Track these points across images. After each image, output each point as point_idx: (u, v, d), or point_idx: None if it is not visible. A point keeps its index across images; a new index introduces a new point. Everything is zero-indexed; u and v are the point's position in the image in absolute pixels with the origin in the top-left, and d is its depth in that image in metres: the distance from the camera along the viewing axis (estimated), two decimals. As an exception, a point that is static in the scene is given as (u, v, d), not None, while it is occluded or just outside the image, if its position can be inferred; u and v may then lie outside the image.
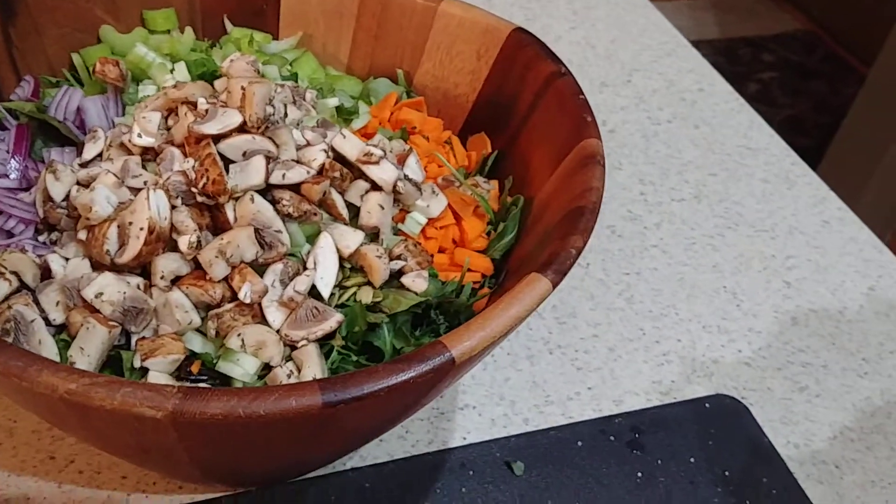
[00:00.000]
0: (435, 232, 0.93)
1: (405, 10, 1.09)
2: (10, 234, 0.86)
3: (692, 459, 1.07)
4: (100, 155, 0.89)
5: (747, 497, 1.03)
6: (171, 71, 0.99)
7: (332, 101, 0.99)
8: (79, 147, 0.93)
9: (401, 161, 0.93)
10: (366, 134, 1.03)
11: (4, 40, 0.97)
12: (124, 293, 0.76)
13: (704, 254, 1.36)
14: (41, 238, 0.86)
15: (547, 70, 0.98)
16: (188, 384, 0.77)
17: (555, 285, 0.75)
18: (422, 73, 1.11)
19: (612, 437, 1.08)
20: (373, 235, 0.88)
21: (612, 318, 1.24)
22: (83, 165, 0.88)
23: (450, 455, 1.03)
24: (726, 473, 1.05)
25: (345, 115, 0.99)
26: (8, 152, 0.88)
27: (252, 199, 0.81)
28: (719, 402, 1.13)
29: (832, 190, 1.50)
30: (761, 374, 1.19)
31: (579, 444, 1.06)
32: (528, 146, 0.99)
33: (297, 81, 1.02)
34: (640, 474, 1.04)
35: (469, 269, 0.91)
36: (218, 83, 0.94)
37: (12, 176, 0.88)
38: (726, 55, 4.25)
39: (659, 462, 1.06)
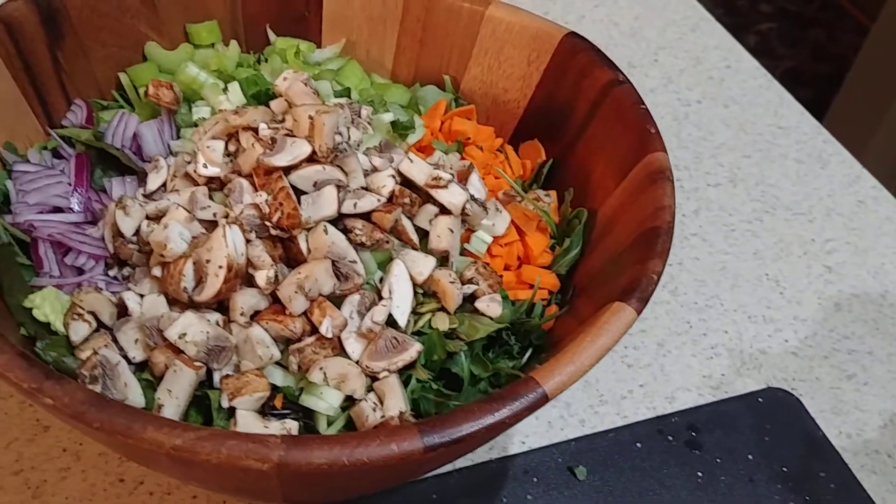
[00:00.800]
0: (500, 249, 0.93)
1: (451, 15, 1.07)
2: (80, 271, 0.85)
3: (750, 456, 1.08)
4: (163, 185, 0.88)
5: (806, 493, 1.05)
6: (224, 90, 0.97)
7: (388, 117, 0.98)
8: (139, 175, 0.92)
9: (461, 178, 0.92)
10: (420, 147, 1.02)
11: (53, 65, 0.95)
12: (207, 332, 0.76)
13: (744, 240, 1.37)
14: (111, 273, 0.86)
15: (604, 78, 0.97)
16: (275, 420, 0.77)
17: (638, 313, 0.75)
18: (469, 78, 1.10)
19: (670, 437, 1.09)
20: (442, 259, 0.87)
21: (658, 312, 1.24)
22: (148, 196, 0.87)
23: (512, 462, 1.04)
24: (784, 469, 1.06)
25: (400, 129, 0.98)
26: (69, 184, 0.87)
27: (326, 231, 0.81)
28: (772, 395, 1.14)
29: (843, 145, 1.50)
30: (809, 363, 1.20)
31: (638, 445, 1.07)
32: (587, 156, 0.99)
33: (349, 96, 1.01)
34: (700, 474, 1.06)
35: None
36: (275, 104, 0.93)
37: (76, 208, 0.87)
38: (724, 7, 4.20)
39: (718, 461, 1.07)
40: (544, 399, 0.69)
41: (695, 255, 1.33)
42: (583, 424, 1.11)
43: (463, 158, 1.01)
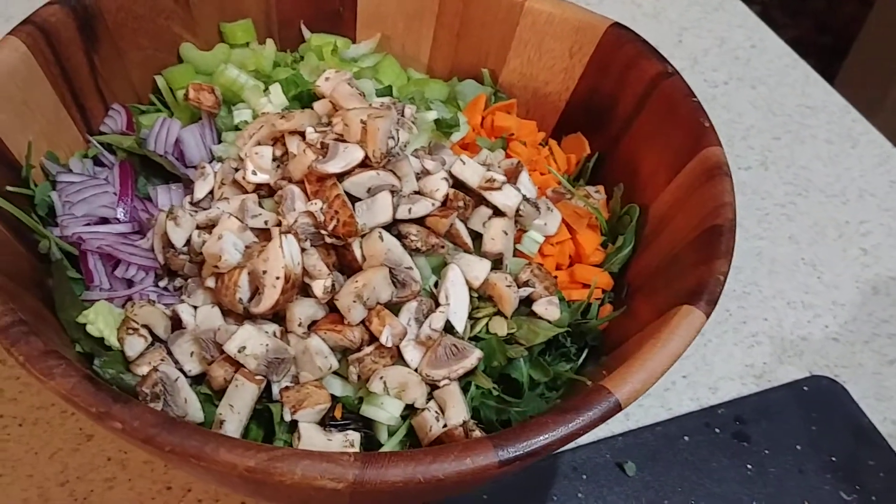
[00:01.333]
0: (551, 249, 0.91)
1: (489, 7, 1.05)
2: (129, 283, 0.84)
3: (798, 447, 1.07)
4: (210, 192, 0.86)
5: (857, 482, 1.04)
6: (265, 91, 0.95)
7: (431, 115, 0.96)
8: (184, 181, 0.91)
9: (510, 177, 0.91)
10: (463, 145, 1.01)
11: (90, 70, 0.94)
12: (267, 345, 0.75)
13: (779, 224, 1.35)
14: (162, 284, 0.85)
15: (652, 70, 0.95)
16: (336, 432, 0.76)
17: (707, 316, 0.74)
18: (508, 71, 1.08)
19: (717, 430, 1.08)
20: (496, 261, 0.86)
21: (697, 301, 1.23)
22: (196, 205, 0.86)
23: (560, 460, 1.03)
24: (833, 459, 1.06)
25: (444, 127, 0.97)
26: (115, 194, 0.86)
27: (381, 237, 0.79)
28: (817, 383, 1.13)
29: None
30: (850, 349, 1.20)
31: (686, 438, 1.07)
32: (635, 151, 0.97)
33: (391, 95, 0.99)
34: (749, 466, 1.05)
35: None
36: (318, 106, 0.91)
37: (122, 218, 0.85)
38: (726, -24, 4.14)
39: (766, 452, 1.06)
40: (617, 408, 0.68)
41: (730, 241, 1.31)
42: (627, 418, 1.10)
43: (508, 156, 0.99)
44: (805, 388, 1.13)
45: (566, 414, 0.67)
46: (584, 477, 1.02)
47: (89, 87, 0.94)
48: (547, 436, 0.66)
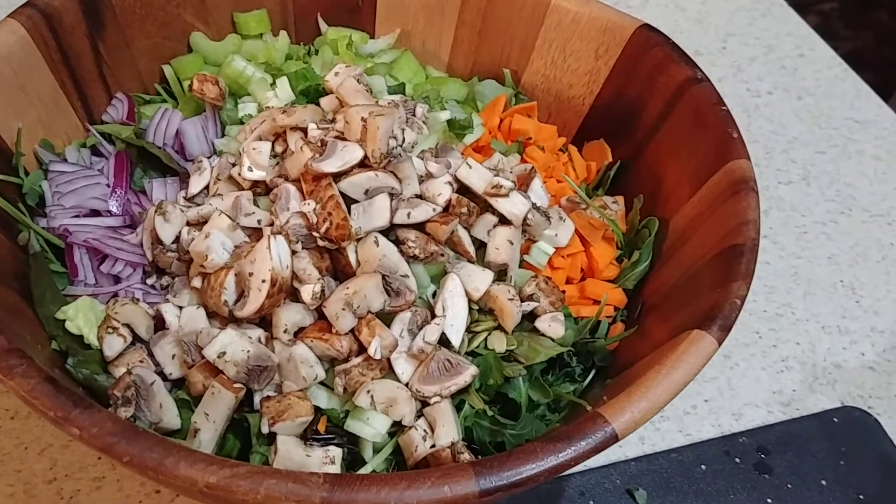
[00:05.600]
0: (562, 261, 0.86)
1: (514, 5, 1.00)
2: (116, 279, 0.81)
3: (823, 482, 1.00)
4: (206, 187, 0.83)
5: (886, 525, 0.97)
6: (272, 85, 0.92)
7: (444, 115, 0.91)
8: (182, 176, 0.87)
9: (522, 183, 0.85)
10: (477, 148, 0.96)
11: (94, 57, 0.91)
12: (248, 351, 0.71)
13: (818, 244, 1.28)
14: (149, 281, 0.81)
15: (681, 75, 0.89)
16: (317, 447, 0.72)
17: (720, 343, 0.68)
18: (531, 72, 1.03)
19: (737, 460, 1.02)
20: (500, 272, 0.81)
21: (725, 321, 1.16)
22: (189, 200, 0.82)
23: (567, 483, 0.98)
24: (861, 497, 0.99)
25: (457, 129, 0.92)
26: (108, 186, 0.82)
27: (377, 242, 0.75)
28: (848, 415, 1.06)
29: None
30: (887, 379, 1.12)
31: (703, 467, 1.01)
32: (658, 160, 0.91)
33: (403, 92, 0.95)
34: (769, 500, 0.98)
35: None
36: (325, 102, 0.87)
37: (114, 211, 0.82)
38: (785, -14, 4.03)
39: (789, 486, 1.00)
40: (614, 439, 0.63)
41: (765, 259, 1.24)
42: (642, 442, 1.04)
43: (524, 160, 0.94)
44: (835, 419, 1.06)
45: (556, 443, 0.62)
46: (592, 503, 0.96)
47: (92, 75, 0.91)
48: (533, 465, 0.61)
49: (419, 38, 1.06)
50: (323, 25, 1.05)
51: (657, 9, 1.67)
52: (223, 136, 0.91)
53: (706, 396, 1.09)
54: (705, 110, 0.86)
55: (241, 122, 0.91)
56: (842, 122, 1.47)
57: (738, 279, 0.71)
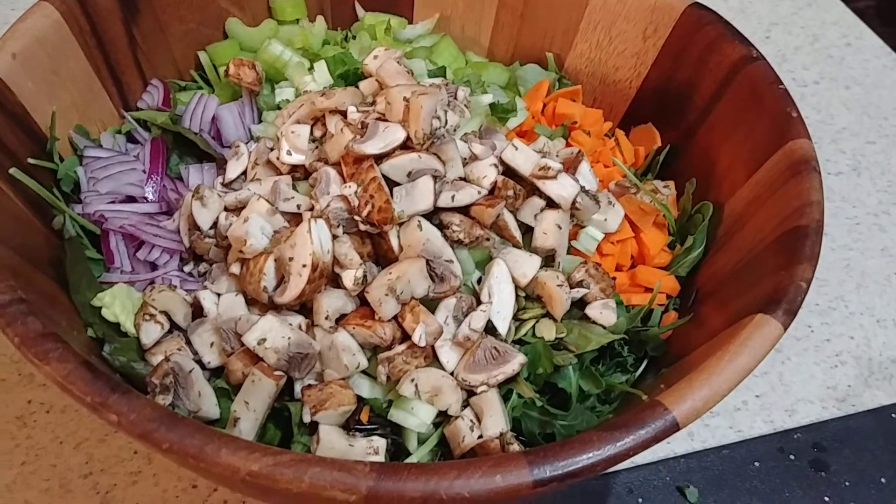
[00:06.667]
0: (611, 248, 0.83)
1: (557, -14, 0.97)
2: (153, 266, 0.78)
3: (883, 479, 0.96)
4: (244, 173, 0.81)
5: (951, 525, 0.92)
6: (310, 70, 0.89)
7: (486, 98, 0.88)
8: (218, 162, 0.85)
9: (569, 167, 0.82)
10: (521, 133, 0.93)
11: (129, 42, 0.89)
12: (289, 338, 0.69)
13: (870, 235, 1.23)
14: (187, 269, 0.79)
15: (734, 54, 0.85)
16: (360, 437, 0.69)
17: (785, 328, 0.64)
18: (575, 55, 1.00)
19: (792, 456, 0.98)
20: (547, 258, 0.78)
21: (776, 315, 1.12)
22: (227, 185, 0.80)
23: (615, 479, 0.94)
24: (924, 496, 0.94)
25: (499, 112, 0.89)
26: (144, 172, 0.80)
27: (420, 226, 0.72)
28: (907, 411, 1.02)
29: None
30: (948, 373, 1.07)
31: (756, 464, 0.97)
32: (711, 143, 0.87)
33: (444, 76, 0.92)
34: (827, 499, 0.94)
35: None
36: (364, 85, 0.84)
37: (150, 198, 0.80)
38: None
39: (847, 484, 0.95)
40: (674, 427, 0.59)
41: (816, 252, 1.20)
42: (692, 438, 1.00)
43: (569, 145, 0.91)
44: (893, 414, 1.02)
45: (614, 431, 0.59)
46: (640, 500, 0.93)
47: (127, 61, 0.89)
48: (590, 455, 0.58)
49: (459, 23, 1.03)
50: (360, 10, 1.03)
51: (698, -2, 1.63)
52: (260, 122, 0.89)
53: (758, 392, 1.05)
54: (762, 89, 0.82)
55: (279, 108, 0.89)
56: (891, 112, 1.43)
57: (802, 261, 0.67)
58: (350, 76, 0.88)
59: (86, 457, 0.90)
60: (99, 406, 0.58)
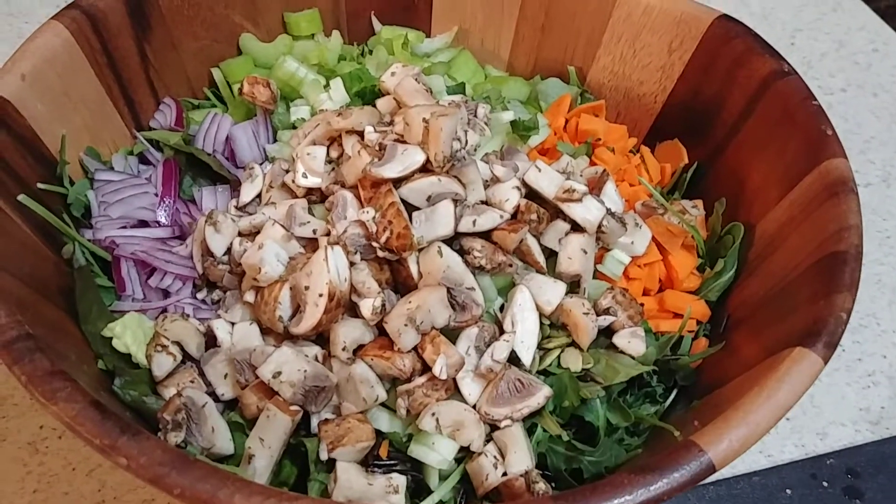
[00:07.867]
0: (638, 271, 0.80)
1: (579, -3, 0.94)
2: (165, 293, 0.76)
3: (921, 508, 0.93)
4: (258, 196, 0.78)
5: None
6: (326, 87, 0.87)
7: (507, 116, 0.85)
8: (232, 184, 0.83)
9: (594, 187, 0.79)
10: (543, 150, 0.90)
11: (141, 60, 0.87)
12: (305, 371, 0.66)
13: (903, 249, 1.20)
14: (200, 296, 0.77)
15: (765, 68, 0.82)
16: (379, 474, 0.66)
17: (825, 361, 0.61)
18: (597, 69, 0.97)
19: (825, 483, 0.94)
20: (573, 284, 0.75)
21: (806, 333, 1.09)
22: (241, 209, 0.78)
23: (642, 507, 0.91)
24: (964, 525, 0.91)
25: (521, 129, 0.86)
26: (156, 195, 0.78)
27: (440, 252, 0.69)
28: (946, 435, 0.98)
29: None
30: None
31: (788, 492, 0.93)
32: (741, 161, 0.84)
33: (464, 92, 0.89)
34: (862, 528, 0.91)
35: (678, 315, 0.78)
36: (381, 104, 0.82)
37: (163, 222, 0.78)
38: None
39: (883, 512, 0.92)
40: (710, 470, 0.57)
41: (847, 267, 1.16)
42: (721, 464, 0.97)
43: (593, 163, 0.88)
44: (931, 439, 0.98)
45: (646, 474, 0.56)
46: (670, 530, 0.89)
47: (139, 79, 0.87)
48: (622, 500, 0.55)
49: (478, 36, 1.01)
50: (377, 24, 1.01)
51: (720, 4, 1.59)
52: (275, 141, 0.87)
53: (788, 414, 1.01)
54: (794, 106, 0.79)
55: (294, 127, 0.87)
56: (922, 121, 1.39)
57: (842, 290, 0.64)
58: (367, 94, 0.86)
59: (99, 484, 0.88)
60: (108, 449, 0.55)
